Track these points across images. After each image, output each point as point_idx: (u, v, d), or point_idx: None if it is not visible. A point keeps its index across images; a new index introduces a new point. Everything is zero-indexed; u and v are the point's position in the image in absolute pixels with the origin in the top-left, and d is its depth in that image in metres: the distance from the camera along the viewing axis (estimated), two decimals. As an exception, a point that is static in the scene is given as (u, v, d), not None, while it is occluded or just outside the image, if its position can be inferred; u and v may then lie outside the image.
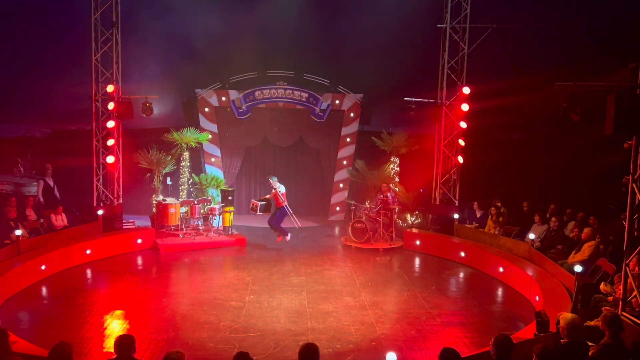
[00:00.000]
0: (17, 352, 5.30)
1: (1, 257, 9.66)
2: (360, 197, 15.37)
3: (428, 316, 8.61)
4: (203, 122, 15.98)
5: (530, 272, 9.67)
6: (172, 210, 13.03)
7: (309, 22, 14.63)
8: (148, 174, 14.33)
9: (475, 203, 13.32)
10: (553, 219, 11.18)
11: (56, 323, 8.02)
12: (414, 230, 13.63)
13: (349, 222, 13.68)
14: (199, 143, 15.67)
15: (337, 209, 16.64)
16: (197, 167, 15.81)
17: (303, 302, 9.15)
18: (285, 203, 12.77)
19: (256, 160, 16.94)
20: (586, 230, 9.60)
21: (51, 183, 13.60)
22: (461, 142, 13.31)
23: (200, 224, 13.88)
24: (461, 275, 11.32)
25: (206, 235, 13.36)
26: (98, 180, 13.07)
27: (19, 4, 13.64)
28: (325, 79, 15.79)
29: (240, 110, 15.86)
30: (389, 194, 14.04)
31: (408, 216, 14.83)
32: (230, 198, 13.67)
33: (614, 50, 10.99)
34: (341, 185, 16.55)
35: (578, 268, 8.14)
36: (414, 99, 13.55)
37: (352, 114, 16.33)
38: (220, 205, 13.68)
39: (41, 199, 13.32)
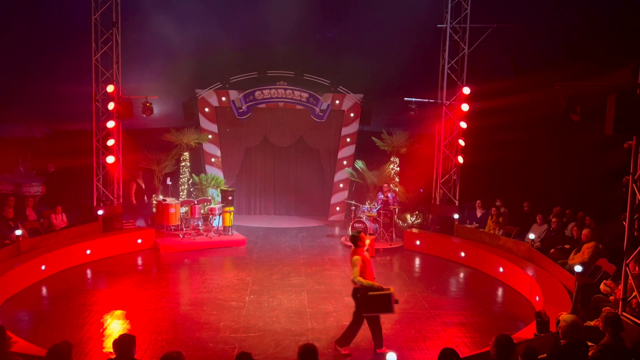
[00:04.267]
0: (16, 352, 5.31)
1: (1, 257, 9.67)
2: (360, 197, 15.37)
3: (428, 316, 8.61)
4: (203, 122, 15.99)
5: (530, 272, 9.67)
6: (172, 210, 13.02)
7: (309, 22, 14.62)
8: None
9: (479, 201, 13.33)
10: (553, 219, 11.18)
11: (56, 323, 8.02)
12: (414, 230, 13.63)
13: (349, 222, 13.68)
14: (199, 143, 15.69)
15: (337, 209, 16.64)
16: (197, 167, 15.81)
17: (303, 302, 9.15)
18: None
19: (256, 161, 16.94)
20: (585, 231, 9.59)
21: (143, 185, 14.11)
22: (461, 142, 13.30)
23: (200, 224, 13.88)
24: (461, 275, 11.32)
25: (206, 235, 13.37)
26: (98, 180, 13.06)
27: (19, 4, 13.62)
28: (325, 79, 15.78)
29: (240, 111, 15.86)
30: (389, 194, 14.07)
31: (408, 216, 14.83)
32: (230, 198, 13.67)
33: (614, 50, 10.98)
34: (341, 185, 16.55)
35: (578, 268, 8.15)
36: (414, 99, 13.54)
37: (352, 114, 16.32)
38: (220, 205, 13.68)
39: (134, 202, 14.06)
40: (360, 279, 6.92)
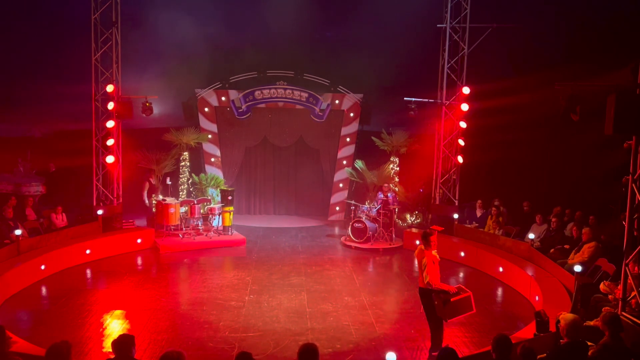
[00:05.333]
0: (16, 352, 5.30)
1: (1, 256, 9.66)
2: (360, 197, 15.37)
3: (428, 316, 8.59)
4: (203, 122, 15.98)
5: (530, 272, 9.67)
6: (172, 210, 13.02)
7: (309, 21, 14.61)
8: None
9: (479, 201, 13.33)
10: (553, 219, 11.18)
11: (56, 323, 8.02)
12: (414, 230, 13.63)
13: (349, 222, 13.68)
14: (199, 143, 15.69)
15: (337, 208, 16.64)
16: (197, 167, 15.81)
17: (303, 302, 9.15)
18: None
19: (256, 160, 16.94)
20: (585, 230, 9.60)
21: (153, 182, 14.42)
22: (461, 142, 13.30)
23: (200, 223, 13.89)
24: (461, 275, 11.31)
25: (206, 235, 13.37)
26: (98, 180, 13.06)
27: (18, 4, 13.62)
28: (325, 79, 15.78)
29: (240, 110, 15.86)
30: (389, 194, 14.07)
31: (408, 216, 14.83)
32: (230, 198, 13.68)
33: (614, 50, 10.98)
34: (341, 185, 16.54)
35: (578, 268, 8.15)
36: (414, 99, 13.54)
37: (352, 114, 16.32)
38: (220, 205, 13.68)
39: (146, 201, 14.32)
40: (437, 283, 6.78)
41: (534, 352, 4.68)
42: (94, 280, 10.51)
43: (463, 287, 7.08)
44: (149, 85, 13.69)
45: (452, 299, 6.77)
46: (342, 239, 13.75)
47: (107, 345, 7.14)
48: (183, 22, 13.94)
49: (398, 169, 15.70)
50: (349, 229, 13.39)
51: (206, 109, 16.02)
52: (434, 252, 6.96)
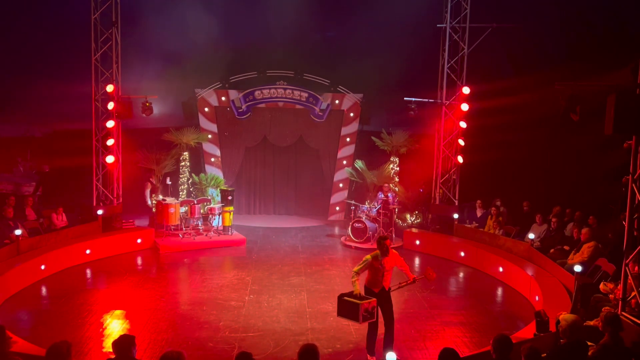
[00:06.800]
0: (16, 352, 5.30)
1: (1, 256, 9.67)
2: (360, 197, 15.37)
3: (428, 316, 8.61)
4: (203, 122, 15.98)
5: (530, 272, 9.67)
6: (172, 210, 13.02)
7: (309, 21, 14.61)
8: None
9: (479, 201, 13.34)
10: (553, 219, 11.19)
11: (56, 323, 8.02)
12: (414, 230, 13.63)
13: (349, 222, 13.68)
14: (199, 143, 15.69)
15: (337, 208, 16.64)
16: (197, 167, 15.81)
17: (303, 302, 9.15)
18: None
19: (256, 160, 16.93)
20: (584, 230, 9.60)
21: (154, 182, 14.62)
22: (461, 142, 13.31)
23: (200, 223, 13.88)
24: (461, 275, 11.32)
25: (206, 235, 13.37)
26: (98, 180, 13.06)
27: (18, 4, 13.62)
28: (324, 78, 15.77)
29: (240, 110, 15.86)
30: (389, 194, 14.07)
31: (408, 216, 14.82)
32: (230, 198, 13.68)
33: (614, 50, 10.98)
34: (341, 185, 16.54)
35: (578, 268, 8.15)
36: (414, 99, 13.54)
37: (352, 114, 16.32)
38: (220, 205, 13.68)
39: (149, 201, 14.46)
40: (354, 278, 6.90)
41: (538, 353, 4.67)
42: (94, 280, 10.52)
43: (372, 298, 6.84)
44: (149, 85, 13.69)
45: (345, 297, 6.84)
46: (342, 238, 13.75)
47: (107, 345, 7.14)
48: (183, 22, 13.95)
49: (398, 169, 15.70)
50: (349, 228, 13.39)
51: (206, 109, 16.02)
52: (403, 262, 7.28)
